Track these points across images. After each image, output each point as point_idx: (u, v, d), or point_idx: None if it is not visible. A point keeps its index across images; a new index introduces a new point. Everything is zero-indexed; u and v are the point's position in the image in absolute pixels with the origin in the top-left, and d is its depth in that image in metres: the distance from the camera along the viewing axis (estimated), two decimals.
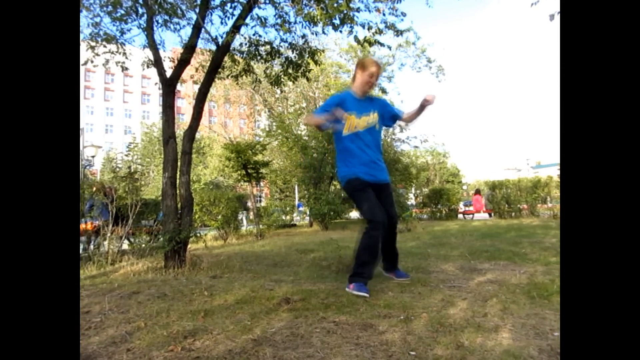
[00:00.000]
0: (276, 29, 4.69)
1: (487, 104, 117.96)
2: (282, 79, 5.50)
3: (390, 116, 3.01)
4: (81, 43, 4.74)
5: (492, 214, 15.28)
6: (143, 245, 5.29)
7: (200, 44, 4.68)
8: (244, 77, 5.66)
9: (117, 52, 4.90)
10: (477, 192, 17.43)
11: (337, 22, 3.94)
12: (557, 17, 4.96)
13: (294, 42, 4.93)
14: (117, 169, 5.96)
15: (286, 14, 4.50)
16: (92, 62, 4.70)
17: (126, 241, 5.65)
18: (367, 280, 2.67)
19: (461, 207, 18.25)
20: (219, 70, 4.82)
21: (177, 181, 4.17)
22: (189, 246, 4.35)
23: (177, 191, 4.14)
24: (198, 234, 5.01)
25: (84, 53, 4.85)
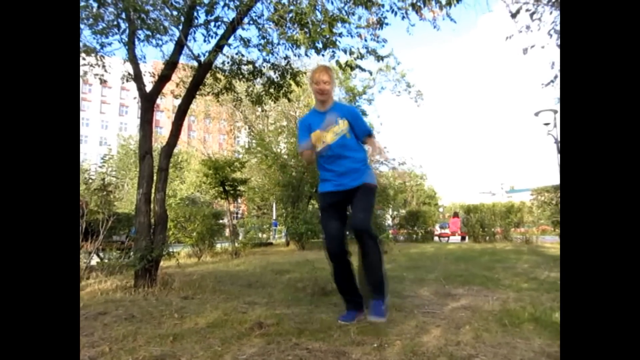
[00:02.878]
0: (259, 49, 4.72)
1: (463, 129, 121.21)
2: (263, 98, 5.51)
3: (361, 131, 2.76)
4: None
5: (467, 238, 15.53)
6: (113, 262, 5.12)
7: (182, 59, 4.66)
8: (225, 94, 5.65)
9: (96, 64, 4.82)
10: (455, 214, 17.71)
11: (319, 45, 4.00)
12: (530, 51, 5.18)
13: (276, 62, 4.98)
14: (90, 181, 5.78)
15: (269, 35, 4.54)
16: None
17: (95, 257, 5.46)
18: (349, 305, 2.65)
19: (437, 229, 18.49)
20: (200, 87, 4.80)
21: (152, 197, 4.08)
22: (161, 264, 4.23)
23: (152, 208, 4.05)
24: (171, 252, 4.89)
25: None
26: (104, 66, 4.86)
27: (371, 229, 2.57)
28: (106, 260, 5.31)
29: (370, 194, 2.66)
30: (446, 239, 17.14)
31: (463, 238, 16.07)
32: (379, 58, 4.67)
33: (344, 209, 2.72)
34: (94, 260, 5.31)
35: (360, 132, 2.74)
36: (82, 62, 4.59)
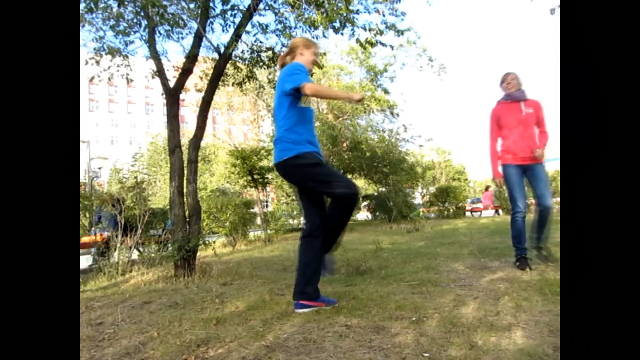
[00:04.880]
0: (277, 35, 4.71)
1: (489, 100, 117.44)
2: None
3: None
4: (88, 59, 4.81)
5: (500, 211, 15.21)
6: (152, 254, 5.31)
7: (202, 52, 4.71)
8: (248, 83, 5.68)
9: (121, 64, 4.95)
10: (487, 188, 17.36)
11: (337, 25, 3.95)
12: (558, 11, 4.94)
13: None
14: (124, 180, 5.98)
15: (286, 19, 4.52)
16: (98, 76, 4.76)
17: (135, 251, 5.69)
18: None
19: (468, 204, 18.19)
20: (222, 78, 4.84)
21: (185, 190, 4.19)
22: (198, 254, 4.36)
23: (185, 200, 4.17)
24: (207, 242, 5.02)
25: (91, 68, 4.91)
26: (128, 65, 4.98)
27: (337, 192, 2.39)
28: (145, 254, 5.52)
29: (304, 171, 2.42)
30: (478, 213, 16.85)
31: (497, 211, 15.76)
32: (399, 32, 4.57)
33: None
34: (134, 255, 5.53)
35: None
36: (108, 63, 4.72)
